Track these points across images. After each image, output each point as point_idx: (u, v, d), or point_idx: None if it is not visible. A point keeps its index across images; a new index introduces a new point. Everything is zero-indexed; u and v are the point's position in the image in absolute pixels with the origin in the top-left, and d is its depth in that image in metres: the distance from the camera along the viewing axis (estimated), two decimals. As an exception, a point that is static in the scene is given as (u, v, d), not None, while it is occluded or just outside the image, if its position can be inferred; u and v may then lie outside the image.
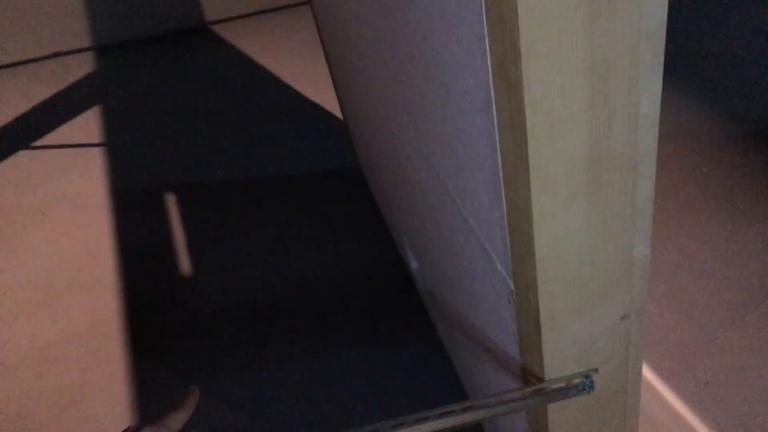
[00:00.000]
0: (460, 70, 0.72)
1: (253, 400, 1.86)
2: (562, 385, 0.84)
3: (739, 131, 2.69)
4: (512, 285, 0.82)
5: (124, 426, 1.75)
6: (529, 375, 0.88)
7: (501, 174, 0.69)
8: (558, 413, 0.89)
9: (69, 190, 2.80)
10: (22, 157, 3.10)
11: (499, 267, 0.85)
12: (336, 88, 2.49)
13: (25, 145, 3.16)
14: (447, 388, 1.83)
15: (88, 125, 3.26)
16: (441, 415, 0.80)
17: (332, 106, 3.07)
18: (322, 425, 1.81)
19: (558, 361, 0.81)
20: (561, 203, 0.64)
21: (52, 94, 3.58)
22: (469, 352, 1.31)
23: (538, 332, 0.77)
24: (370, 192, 2.56)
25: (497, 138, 0.66)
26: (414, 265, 2.00)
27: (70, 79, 3.69)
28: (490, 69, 0.62)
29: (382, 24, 1.06)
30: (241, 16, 4.19)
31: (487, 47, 0.61)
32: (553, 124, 0.58)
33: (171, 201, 2.67)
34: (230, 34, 4.03)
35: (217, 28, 4.14)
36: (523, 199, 0.65)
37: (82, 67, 3.83)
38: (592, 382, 0.84)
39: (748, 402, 1.76)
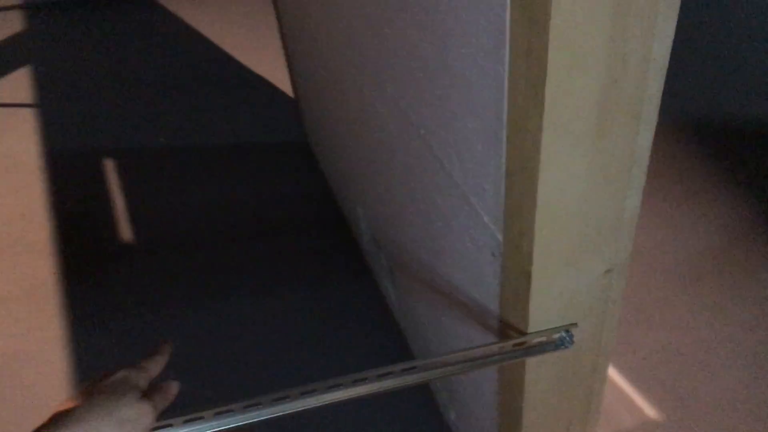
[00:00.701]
0: (467, 11, 0.70)
1: (190, 358, 1.81)
2: (543, 339, 0.84)
3: (669, 124, 2.79)
4: (500, 237, 0.81)
5: (61, 394, 1.67)
6: (508, 329, 0.88)
7: (505, 117, 0.68)
8: (535, 369, 0.89)
9: (1, 151, 2.64)
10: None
11: (486, 220, 0.84)
12: (288, 59, 2.44)
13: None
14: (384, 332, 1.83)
15: (18, 85, 3.08)
16: (426, 367, 0.79)
17: (279, 80, 3.01)
18: (255, 366, 1.77)
19: (542, 314, 0.82)
20: (569, 146, 0.64)
21: (-22, 52, 3.37)
22: (435, 314, 1.30)
23: (528, 283, 0.77)
24: (317, 166, 2.52)
25: (506, 79, 0.65)
26: (366, 236, 1.98)
27: (0, 37, 3.48)
28: (508, 4, 0.61)
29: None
30: (183, -16, 4.03)
31: (508, -19, 0.59)
32: (573, 62, 0.58)
33: (109, 166, 2.56)
34: (171, 1, 3.88)
35: (157, -5, 3.99)
36: (531, 140, 0.64)
37: (11, 25, 3.61)
38: (572, 336, 0.85)
39: (680, 376, 1.83)
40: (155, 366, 0.71)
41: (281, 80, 2.99)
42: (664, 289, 2.11)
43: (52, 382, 1.76)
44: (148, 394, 0.67)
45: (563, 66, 0.58)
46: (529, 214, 0.70)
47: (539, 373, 0.91)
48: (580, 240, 0.75)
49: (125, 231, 2.27)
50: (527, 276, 0.77)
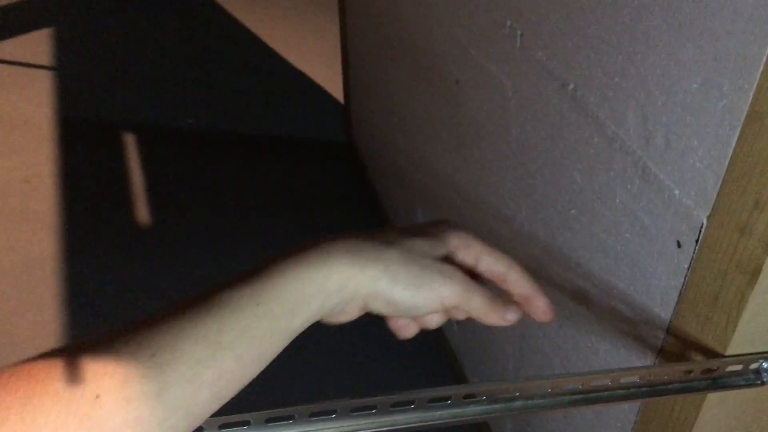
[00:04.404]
0: None
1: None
2: (738, 368, 0.64)
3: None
4: (703, 217, 0.62)
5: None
6: (688, 349, 0.68)
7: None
8: (712, 408, 0.69)
9: (8, 109, 2.48)
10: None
11: (678, 194, 0.65)
12: (345, 53, 2.27)
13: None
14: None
15: (37, 45, 2.94)
16: (540, 392, 0.59)
17: (325, 79, 2.84)
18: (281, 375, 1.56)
19: (751, 331, 0.62)
20: None
21: (-2, 7, 3.24)
22: (535, 330, 1.09)
23: (749, 284, 0.57)
24: (362, 169, 2.33)
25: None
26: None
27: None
28: None
29: None
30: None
31: None
32: None
33: (128, 139, 2.39)
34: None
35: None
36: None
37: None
38: (776, 367, 0.65)
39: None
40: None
41: (327, 79, 2.83)
42: None
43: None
44: None
45: None
46: (787, 172, 0.51)
47: (714, 414, 0.70)
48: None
49: (138, 212, 2.08)
50: (752, 273, 0.57)
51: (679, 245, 0.66)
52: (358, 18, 1.98)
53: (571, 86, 0.81)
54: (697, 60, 0.59)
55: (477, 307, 0.45)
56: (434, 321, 0.47)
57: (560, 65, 0.83)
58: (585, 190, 0.83)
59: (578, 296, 0.90)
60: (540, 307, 0.49)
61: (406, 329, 0.47)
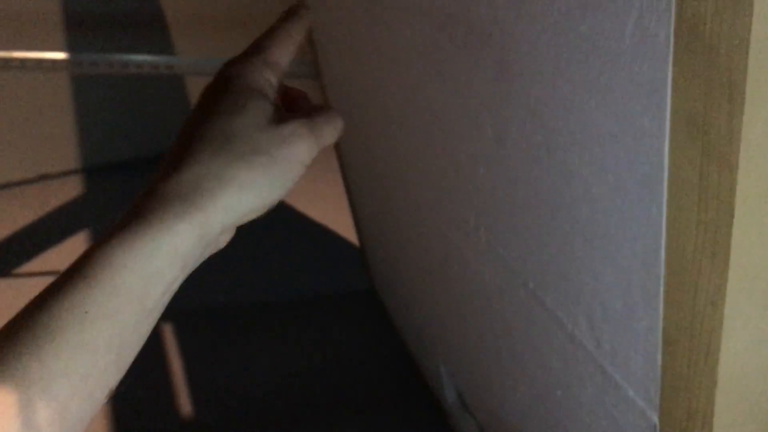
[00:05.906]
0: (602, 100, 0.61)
1: None
2: None
3: None
4: (655, 418, 0.66)
5: None
6: None
7: (663, 266, 0.56)
8: None
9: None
10: (2, 285, 2.94)
11: (631, 394, 0.70)
12: (351, 200, 2.40)
13: (6, 272, 3.01)
14: None
15: (74, 251, 3.12)
16: None
17: (341, 225, 2.97)
18: None
19: None
20: (761, 299, 0.51)
21: (36, 219, 3.47)
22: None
23: (703, 480, 0.61)
24: (387, 318, 2.40)
25: (664, 207, 0.54)
26: (450, 398, 1.82)
27: (57, 203, 3.59)
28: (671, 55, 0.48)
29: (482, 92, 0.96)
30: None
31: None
32: None
33: (165, 328, 2.50)
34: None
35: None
36: (707, 296, 0.51)
37: (70, 190, 3.74)
38: None
39: None
40: (281, 54, 0.46)
41: (338, 223, 2.95)
42: None
43: None
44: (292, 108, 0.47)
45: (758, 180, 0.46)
46: (704, 393, 0.56)
47: None
48: (764, 424, 0.60)
49: (182, 405, 2.15)
50: (703, 472, 0.61)
51: (644, 440, 0.70)
52: (357, 177, 2.10)
53: (531, 285, 0.88)
54: (616, 283, 0.65)
55: (330, 139, 0.44)
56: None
57: (519, 264, 0.90)
58: (562, 374, 0.88)
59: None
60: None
61: None
